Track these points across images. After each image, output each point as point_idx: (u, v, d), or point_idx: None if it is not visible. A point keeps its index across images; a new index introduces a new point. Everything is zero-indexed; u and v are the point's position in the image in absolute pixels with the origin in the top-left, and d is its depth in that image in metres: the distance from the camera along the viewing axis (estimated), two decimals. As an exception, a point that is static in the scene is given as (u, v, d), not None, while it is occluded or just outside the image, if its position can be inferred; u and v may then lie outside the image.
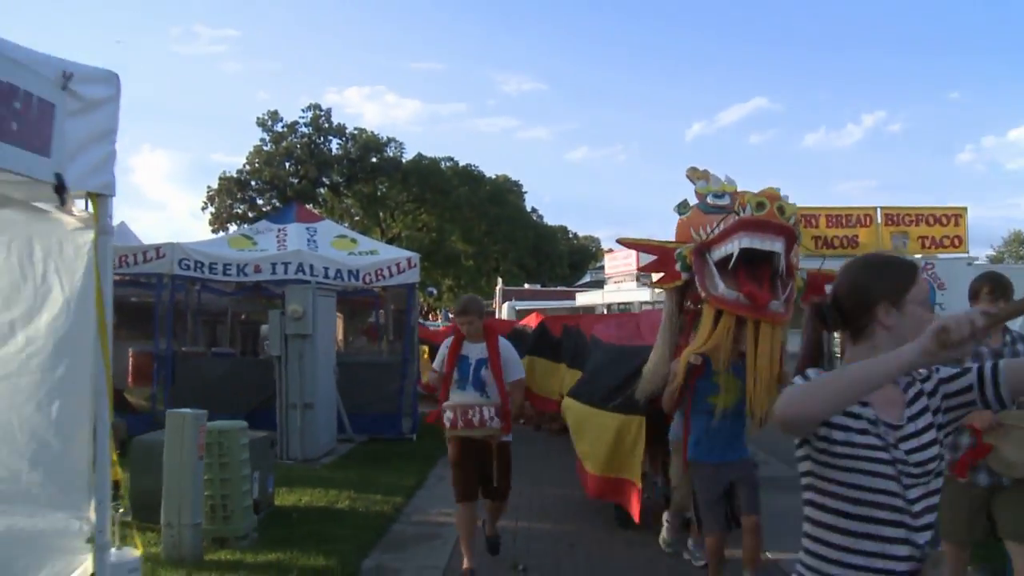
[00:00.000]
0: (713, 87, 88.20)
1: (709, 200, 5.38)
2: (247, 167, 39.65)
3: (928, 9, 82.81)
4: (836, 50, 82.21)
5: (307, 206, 38.73)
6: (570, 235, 63.13)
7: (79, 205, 2.41)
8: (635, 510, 6.10)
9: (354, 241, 11.43)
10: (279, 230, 10.98)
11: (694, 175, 5.74)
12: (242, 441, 6.10)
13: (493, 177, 46.01)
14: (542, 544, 6.28)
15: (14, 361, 2.56)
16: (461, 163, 43.65)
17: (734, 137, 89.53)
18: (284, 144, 39.73)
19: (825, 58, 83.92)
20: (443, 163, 42.86)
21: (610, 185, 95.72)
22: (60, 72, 2.21)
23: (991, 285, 4.31)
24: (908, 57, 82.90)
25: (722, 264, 4.94)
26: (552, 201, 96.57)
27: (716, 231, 5.10)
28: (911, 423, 1.96)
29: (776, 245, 4.74)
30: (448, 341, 5.71)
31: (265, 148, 39.74)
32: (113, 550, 2.53)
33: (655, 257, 5.61)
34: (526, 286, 28.40)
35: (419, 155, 41.89)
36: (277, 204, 38.92)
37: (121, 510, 2.68)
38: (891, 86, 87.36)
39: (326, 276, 10.05)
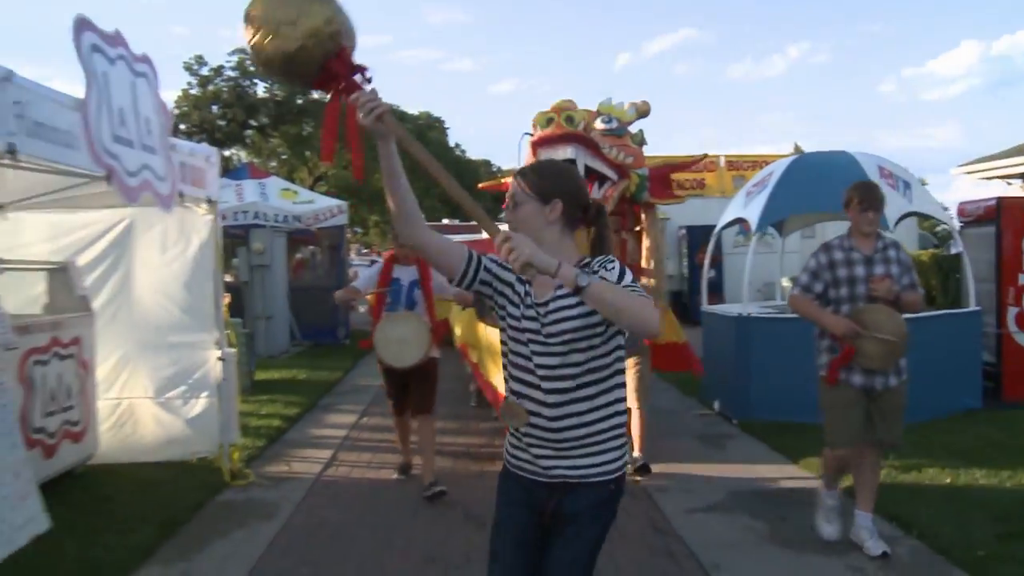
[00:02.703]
0: (640, 17, 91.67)
1: (537, 130, 5.75)
2: (176, 111, 41.96)
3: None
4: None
5: (235, 148, 41.63)
6: (494, 169, 66.26)
7: (205, 206, 6.13)
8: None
9: (296, 192, 15.11)
10: (236, 185, 14.51)
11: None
12: (240, 330, 9.89)
13: (416, 114, 48.95)
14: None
15: (177, 271, 6.32)
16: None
17: (660, 67, 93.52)
18: (211, 88, 42.19)
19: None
20: (367, 103, 45.58)
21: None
22: (206, 155, 5.92)
23: (859, 195, 4.52)
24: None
25: None
26: (477, 134, 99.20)
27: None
28: (556, 300, 2.34)
29: (568, 152, 5.30)
30: (378, 265, 6.23)
31: (192, 92, 42.16)
32: (224, 348, 6.33)
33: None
34: (445, 221, 32.02)
35: (343, 96, 44.62)
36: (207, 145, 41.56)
37: (228, 331, 6.44)
38: (816, 17, 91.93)
39: (276, 220, 13.70)
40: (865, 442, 4.52)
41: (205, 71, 42.73)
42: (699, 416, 8.39)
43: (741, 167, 19.10)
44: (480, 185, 7.53)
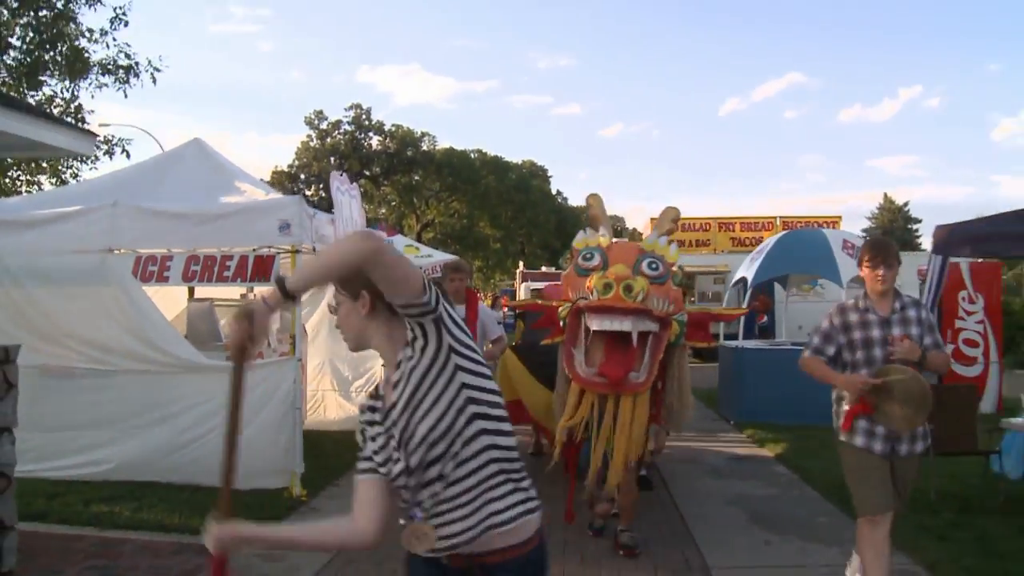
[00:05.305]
0: (748, 62, 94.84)
1: (580, 262, 5.81)
2: (296, 162, 47.66)
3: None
4: (873, 24, 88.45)
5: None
6: (596, 215, 69.97)
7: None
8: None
9: (418, 248, 19.41)
10: (369, 241, 18.95)
11: (593, 201, 6.45)
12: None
13: (519, 163, 53.44)
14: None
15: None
16: (490, 153, 51.21)
17: (768, 112, 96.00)
18: (329, 140, 47.69)
19: (861, 32, 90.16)
20: (472, 154, 50.44)
21: (643, 161, 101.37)
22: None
23: (870, 251, 4.47)
24: (945, 30, 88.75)
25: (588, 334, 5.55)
26: (586, 179, 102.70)
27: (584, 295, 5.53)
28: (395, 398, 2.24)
29: (625, 324, 5.36)
30: None
31: (312, 144, 47.82)
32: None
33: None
34: (543, 268, 36.10)
35: (450, 148, 49.62)
36: (324, 195, 47.00)
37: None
38: (928, 59, 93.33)
39: (402, 271, 18.00)
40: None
41: (324, 125, 48.52)
42: (713, 420, 12.12)
43: (795, 226, 22.57)
44: (507, 304, 8.27)
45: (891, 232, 50.53)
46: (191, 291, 9.20)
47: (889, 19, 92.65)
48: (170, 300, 9.24)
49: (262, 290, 2.22)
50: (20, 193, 16.22)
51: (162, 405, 7.35)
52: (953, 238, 7.38)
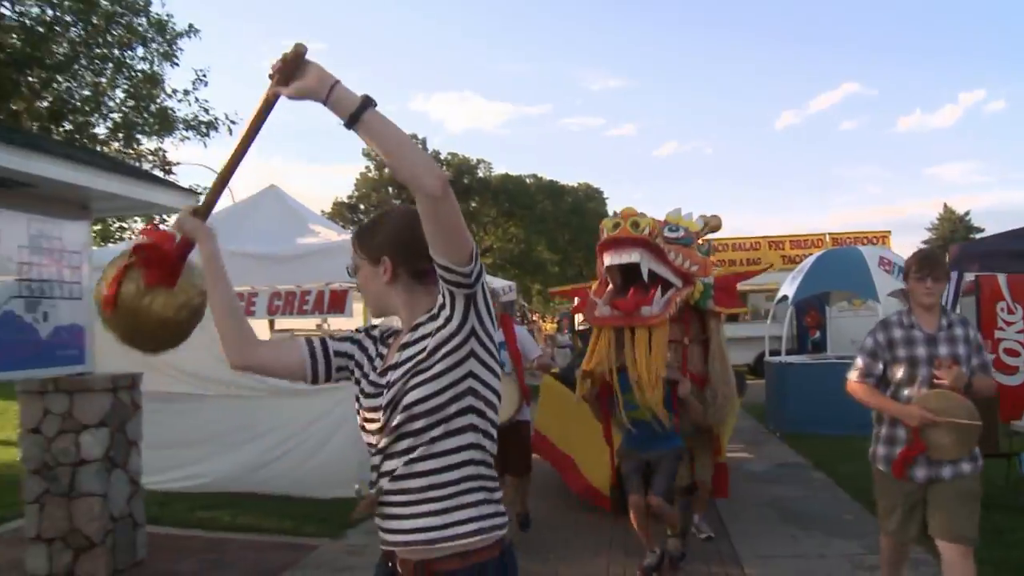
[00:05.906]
0: (802, 74, 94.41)
1: (605, 234, 5.89)
2: (356, 193, 49.15)
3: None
4: (929, 30, 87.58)
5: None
6: (652, 236, 70.41)
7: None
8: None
9: (475, 275, 20.50)
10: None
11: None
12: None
13: (575, 186, 54.17)
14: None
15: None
16: (545, 177, 52.08)
17: (825, 124, 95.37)
18: (387, 171, 49.00)
19: (917, 38, 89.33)
20: (527, 179, 51.36)
21: (699, 179, 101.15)
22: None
23: (917, 262, 4.34)
24: (1007, 30, 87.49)
25: (618, 286, 5.85)
26: (642, 199, 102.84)
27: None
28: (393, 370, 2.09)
29: (633, 256, 5.62)
30: None
31: (370, 175, 49.26)
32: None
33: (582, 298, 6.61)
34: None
35: (506, 174, 50.65)
36: (384, 224, 48.29)
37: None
38: (992, 63, 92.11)
39: (461, 298, 19.03)
40: (939, 539, 4.23)
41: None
42: (761, 433, 12.79)
43: (844, 242, 23.05)
44: (551, 291, 10.32)
45: (953, 242, 50.14)
46: (271, 323, 10.23)
47: (947, 24, 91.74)
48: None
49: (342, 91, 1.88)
50: (116, 236, 18.05)
51: (250, 426, 8.35)
52: (964, 255, 8.02)
